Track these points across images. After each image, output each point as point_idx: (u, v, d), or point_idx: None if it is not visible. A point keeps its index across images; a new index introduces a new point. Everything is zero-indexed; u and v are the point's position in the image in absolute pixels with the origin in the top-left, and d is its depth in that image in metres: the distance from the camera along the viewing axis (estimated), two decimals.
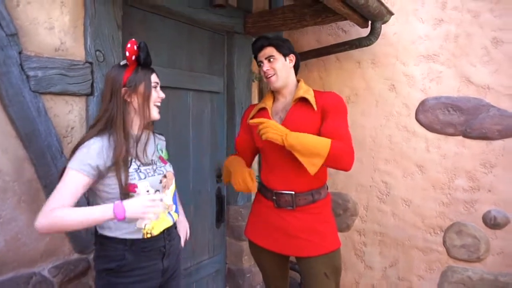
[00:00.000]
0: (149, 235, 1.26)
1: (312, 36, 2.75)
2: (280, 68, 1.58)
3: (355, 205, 2.69)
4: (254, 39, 2.60)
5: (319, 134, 1.52)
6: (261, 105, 1.68)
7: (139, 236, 1.24)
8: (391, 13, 2.26)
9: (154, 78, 1.31)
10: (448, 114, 2.33)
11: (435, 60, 2.35)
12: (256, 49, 1.63)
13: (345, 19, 2.14)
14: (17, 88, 1.30)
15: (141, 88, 1.25)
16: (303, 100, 1.58)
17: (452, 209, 2.34)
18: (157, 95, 1.32)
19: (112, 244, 1.22)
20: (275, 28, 2.29)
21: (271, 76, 1.58)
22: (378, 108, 2.56)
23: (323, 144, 1.41)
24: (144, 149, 1.31)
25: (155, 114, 1.32)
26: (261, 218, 1.67)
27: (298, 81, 1.68)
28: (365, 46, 2.33)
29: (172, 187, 1.39)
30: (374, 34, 2.25)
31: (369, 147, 2.61)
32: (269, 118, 1.60)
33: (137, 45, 1.24)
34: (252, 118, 1.69)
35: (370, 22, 2.28)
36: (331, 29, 2.67)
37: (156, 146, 1.40)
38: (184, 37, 2.12)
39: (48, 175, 1.41)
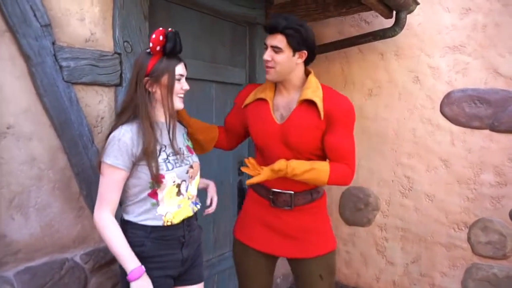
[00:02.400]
0: (169, 223, 1.27)
1: (334, 28, 2.72)
2: (282, 63, 1.40)
3: (377, 199, 2.66)
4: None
5: (321, 142, 1.43)
6: (261, 95, 1.51)
7: (159, 223, 1.25)
8: (417, 3, 2.22)
9: (179, 70, 1.27)
10: (474, 106, 2.28)
11: (462, 51, 2.30)
12: (267, 30, 1.43)
13: (370, 9, 2.11)
14: (51, 78, 1.33)
15: (164, 79, 1.23)
16: (310, 102, 1.42)
17: (477, 204, 2.29)
18: (180, 86, 1.28)
19: (133, 230, 1.24)
20: None
21: (269, 68, 1.42)
22: (402, 101, 2.52)
23: (322, 177, 1.39)
24: (173, 138, 1.30)
25: (178, 104, 1.29)
26: (253, 217, 1.55)
27: (307, 74, 1.50)
28: (389, 37, 2.30)
29: (197, 177, 1.40)
30: (399, 25, 2.21)
31: (391, 140, 2.57)
32: (269, 113, 1.47)
33: (164, 35, 1.22)
34: (247, 105, 1.55)
35: (394, 12, 2.24)
36: (354, 20, 2.63)
37: (182, 135, 1.41)
38: (207, 28, 2.13)
39: (80, 163, 1.44)
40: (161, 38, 1.21)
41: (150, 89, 1.24)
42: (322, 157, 1.48)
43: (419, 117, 2.46)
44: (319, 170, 1.38)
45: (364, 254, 2.73)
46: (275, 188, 1.48)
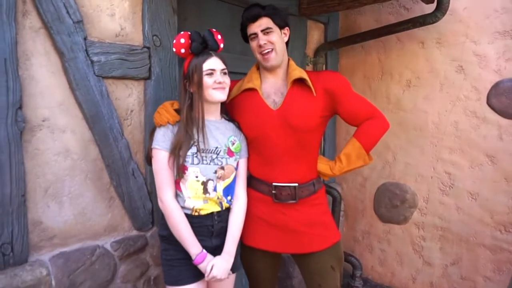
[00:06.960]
0: (196, 214, 1.34)
1: (371, 16, 2.59)
2: (278, 42, 1.41)
3: (414, 196, 2.52)
4: (309, 21, 2.54)
5: (320, 117, 1.45)
6: (248, 85, 1.47)
7: (188, 212, 1.33)
8: None
9: (208, 65, 1.31)
10: None
11: None
12: (249, 19, 1.43)
13: None
14: (83, 73, 1.39)
15: (195, 78, 1.30)
16: (299, 82, 1.42)
17: None
18: (213, 80, 1.31)
19: None
20: (331, 8, 2.18)
21: (269, 51, 1.40)
22: (443, 92, 2.35)
23: (360, 154, 1.47)
24: (208, 136, 1.33)
25: (216, 96, 1.33)
26: (254, 216, 1.48)
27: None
28: (430, 23, 2.13)
29: (228, 180, 1.39)
30: (441, 10, 2.05)
31: (431, 134, 2.42)
32: (262, 101, 1.44)
33: (188, 37, 1.30)
34: (232, 100, 1.49)
35: None
36: (392, 7, 2.48)
37: (228, 137, 1.40)
38: (237, 20, 2.09)
39: (111, 155, 1.49)
40: (182, 41, 1.30)
41: (189, 89, 1.33)
42: (315, 134, 1.48)
43: (463, 109, 2.28)
44: (352, 151, 1.47)
45: (400, 253, 2.61)
46: (277, 182, 1.44)
